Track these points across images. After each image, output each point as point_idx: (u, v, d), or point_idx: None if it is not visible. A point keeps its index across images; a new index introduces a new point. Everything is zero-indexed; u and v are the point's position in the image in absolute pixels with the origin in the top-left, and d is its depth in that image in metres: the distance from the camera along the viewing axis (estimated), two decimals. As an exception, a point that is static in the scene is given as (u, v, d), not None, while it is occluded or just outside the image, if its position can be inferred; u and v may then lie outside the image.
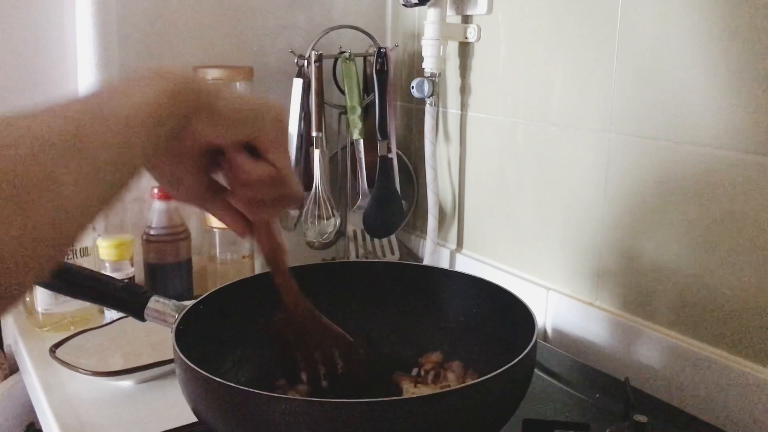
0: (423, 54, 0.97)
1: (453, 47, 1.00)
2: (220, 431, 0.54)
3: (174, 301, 0.64)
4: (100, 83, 0.37)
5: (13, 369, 0.96)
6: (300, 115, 1.02)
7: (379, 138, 1.04)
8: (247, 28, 1.06)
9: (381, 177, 1.05)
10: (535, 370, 0.63)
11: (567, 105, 0.83)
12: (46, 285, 0.69)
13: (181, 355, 0.55)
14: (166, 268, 0.93)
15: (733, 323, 0.68)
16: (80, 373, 0.72)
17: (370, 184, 1.05)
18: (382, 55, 1.02)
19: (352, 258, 1.07)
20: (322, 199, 1.02)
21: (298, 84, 1.01)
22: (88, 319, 0.90)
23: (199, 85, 0.43)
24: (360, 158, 1.04)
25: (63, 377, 0.76)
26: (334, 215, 1.04)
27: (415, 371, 0.72)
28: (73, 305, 0.88)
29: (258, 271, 1.02)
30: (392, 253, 1.09)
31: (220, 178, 0.51)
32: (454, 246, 1.07)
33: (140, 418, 0.70)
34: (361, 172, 1.05)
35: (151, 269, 0.93)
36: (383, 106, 1.03)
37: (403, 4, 0.97)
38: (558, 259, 0.88)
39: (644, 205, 0.75)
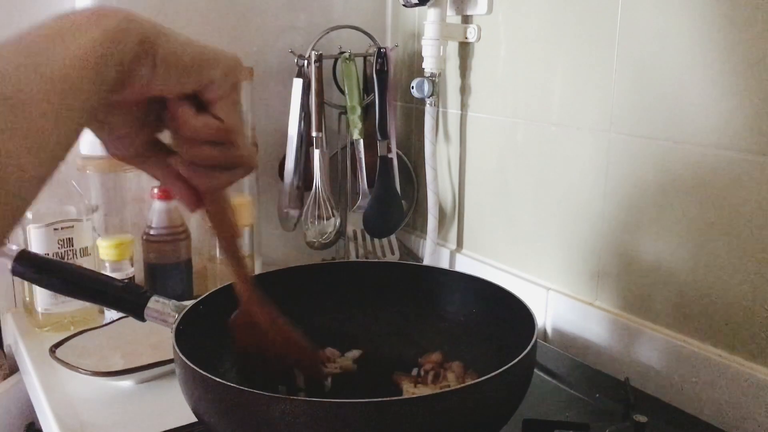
0: (423, 54, 0.97)
1: (453, 47, 1.00)
2: (220, 431, 0.54)
3: (174, 301, 0.64)
4: (34, 24, 0.33)
5: (13, 369, 0.96)
6: (300, 115, 1.02)
7: (379, 138, 1.04)
8: (247, 28, 1.06)
9: (381, 177, 1.05)
10: (535, 370, 0.63)
11: (567, 105, 0.83)
12: (46, 285, 0.69)
13: (181, 355, 0.55)
14: (166, 268, 0.93)
15: (733, 323, 0.68)
16: (80, 373, 0.72)
17: (370, 184, 1.06)
18: (382, 55, 1.02)
19: (352, 258, 1.07)
20: (322, 199, 1.02)
21: (298, 84, 1.01)
22: (88, 319, 0.90)
23: (142, 26, 0.38)
24: (360, 158, 1.04)
25: (63, 377, 0.76)
26: (334, 215, 1.04)
27: (415, 371, 0.72)
28: (73, 305, 0.88)
29: (258, 271, 1.02)
30: (392, 253, 1.09)
31: (168, 139, 0.46)
32: (454, 246, 1.07)
33: (140, 418, 0.70)
34: (361, 172, 1.05)
35: (151, 269, 0.93)
36: (383, 106, 1.03)
37: (403, 4, 0.97)
38: (558, 259, 0.88)
39: (644, 205, 0.75)
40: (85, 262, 0.88)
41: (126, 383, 0.75)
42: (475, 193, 1.02)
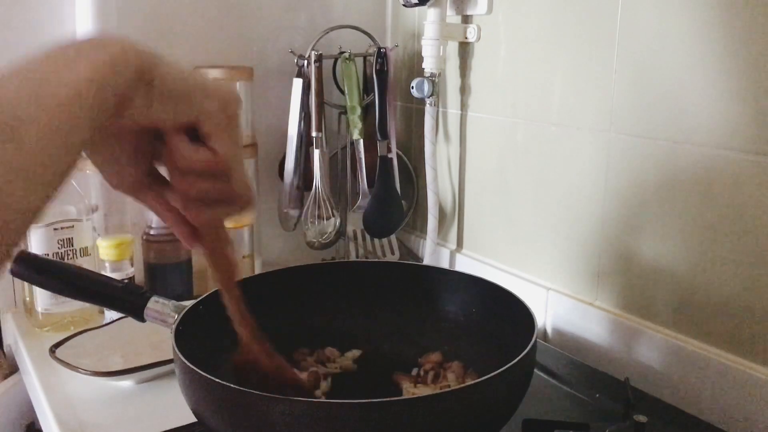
0: (423, 54, 0.97)
1: (453, 47, 1.00)
2: (220, 431, 0.54)
3: (174, 302, 0.64)
4: (36, 51, 0.34)
5: (13, 369, 0.96)
6: (300, 115, 1.02)
7: (379, 138, 1.04)
8: (247, 28, 1.06)
9: (381, 177, 1.05)
10: (535, 370, 0.63)
11: (567, 105, 0.83)
12: (46, 286, 0.69)
13: (180, 355, 0.55)
14: (166, 268, 0.93)
15: (733, 323, 0.68)
16: (80, 373, 0.72)
17: (370, 184, 1.06)
18: (382, 55, 1.02)
19: (352, 258, 1.07)
20: (322, 199, 1.02)
21: (298, 84, 1.01)
22: (88, 319, 0.90)
23: (140, 55, 0.38)
24: (360, 158, 1.04)
25: (63, 377, 0.76)
26: (334, 215, 1.04)
27: (415, 371, 0.72)
28: (73, 305, 0.88)
29: (258, 271, 1.02)
30: (392, 253, 1.09)
31: (164, 172, 0.46)
32: (454, 246, 1.07)
33: (140, 418, 0.70)
34: (361, 172, 1.05)
35: (151, 269, 0.93)
36: (383, 106, 1.03)
37: (403, 4, 0.97)
38: (558, 259, 0.88)
39: (644, 205, 0.75)
40: (85, 263, 0.88)
41: (126, 383, 0.75)
42: (475, 193, 1.02)
